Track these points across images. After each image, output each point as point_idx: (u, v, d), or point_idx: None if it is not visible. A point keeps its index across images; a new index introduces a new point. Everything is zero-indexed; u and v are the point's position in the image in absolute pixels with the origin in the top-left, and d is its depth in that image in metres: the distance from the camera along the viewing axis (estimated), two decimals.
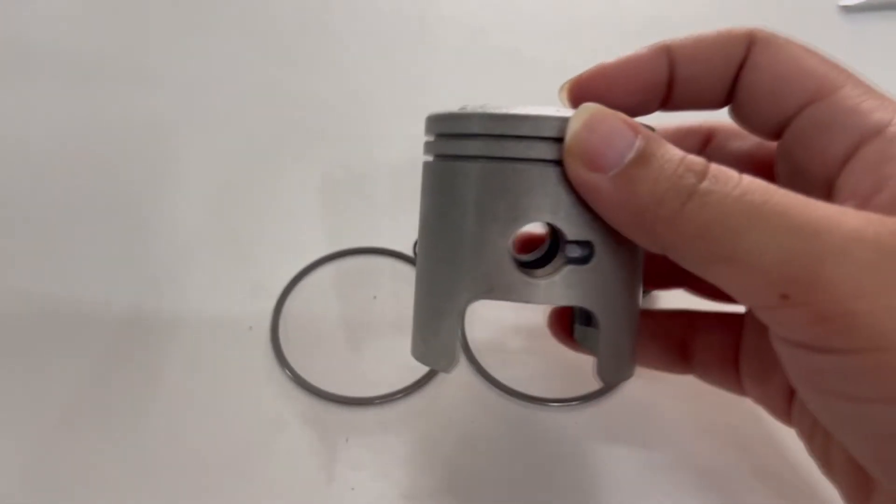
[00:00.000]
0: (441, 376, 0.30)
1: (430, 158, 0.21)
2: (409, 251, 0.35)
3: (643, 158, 0.17)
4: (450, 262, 0.20)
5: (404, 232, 0.35)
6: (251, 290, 0.33)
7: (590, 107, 0.18)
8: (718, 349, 0.24)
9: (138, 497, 0.26)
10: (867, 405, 0.15)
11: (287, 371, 0.30)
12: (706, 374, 0.24)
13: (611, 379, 0.21)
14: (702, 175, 0.16)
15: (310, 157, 0.41)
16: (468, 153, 0.19)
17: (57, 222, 0.37)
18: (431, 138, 0.21)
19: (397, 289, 0.34)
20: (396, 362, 0.30)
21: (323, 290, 0.34)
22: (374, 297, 0.33)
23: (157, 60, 0.47)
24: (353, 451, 0.28)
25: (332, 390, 0.29)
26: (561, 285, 0.19)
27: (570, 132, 0.18)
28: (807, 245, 0.15)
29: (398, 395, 0.29)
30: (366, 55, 0.48)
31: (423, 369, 0.30)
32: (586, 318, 0.24)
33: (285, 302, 0.33)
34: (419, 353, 0.22)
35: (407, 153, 0.40)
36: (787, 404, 0.22)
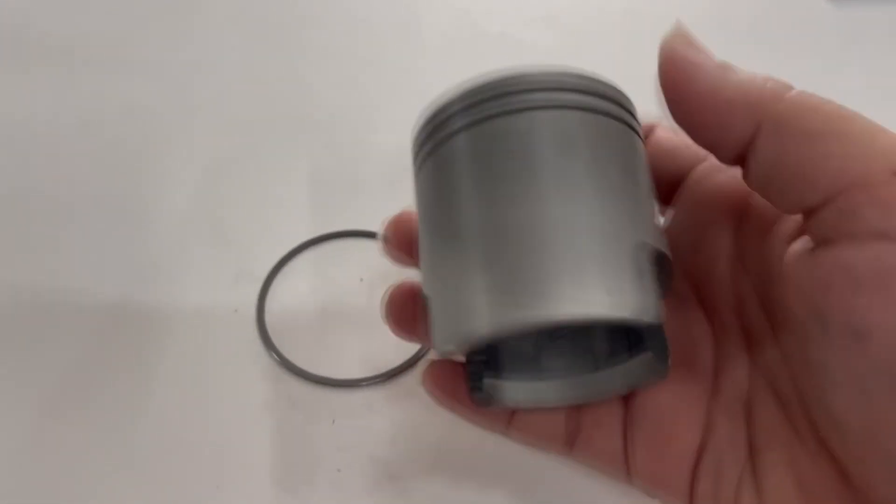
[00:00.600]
0: (426, 360, 0.30)
1: (427, 161, 0.20)
2: None
3: (732, 65, 0.18)
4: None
5: (389, 214, 0.35)
6: (236, 273, 0.33)
7: (682, 27, 0.19)
8: (609, 419, 0.22)
9: (125, 482, 0.26)
10: None
11: (273, 354, 0.30)
12: (588, 448, 0.23)
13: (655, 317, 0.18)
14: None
15: (295, 142, 0.41)
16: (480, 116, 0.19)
17: (42, 210, 0.36)
18: (421, 145, 0.21)
19: (384, 271, 0.34)
20: (383, 344, 0.30)
21: (309, 273, 0.34)
22: (361, 280, 0.33)
23: (141, 47, 0.47)
24: (340, 432, 0.28)
25: (318, 373, 0.29)
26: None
27: (676, 29, 0.19)
28: None
29: (385, 377, 0.29)
30: (351, 40, 0.48)
31: (409, 351, 0.30)
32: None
33: (271, 285, 0.33)
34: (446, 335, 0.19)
35: (392, 137, 0.40)
36: (687, 480, 0.21)
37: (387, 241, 0.24)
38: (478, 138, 0.19)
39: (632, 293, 0.17)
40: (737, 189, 0.21)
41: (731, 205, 0.22)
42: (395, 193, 0.36)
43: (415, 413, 0.28)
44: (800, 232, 0.18)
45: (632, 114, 0.20)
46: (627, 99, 0.20)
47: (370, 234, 0.35)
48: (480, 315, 0.17)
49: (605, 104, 0.19)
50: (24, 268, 0.34)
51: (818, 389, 0.17)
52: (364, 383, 0.29)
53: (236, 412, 0.28)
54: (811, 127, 0.16)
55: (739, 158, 0.18)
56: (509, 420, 0.23)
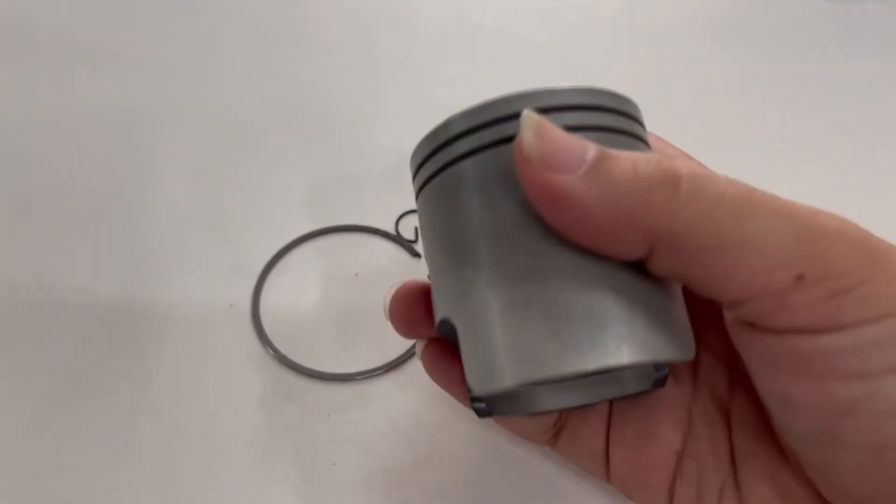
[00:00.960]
0: None
1: (426, 184, 0.20)
2: (390, 228, 0.35)
3: (606, 156, 0.16)
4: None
5: (385, 209, 0.35)
6: (232, 268, 0.33)
7: (532, 116, 0.16)
8: (593, 419, 0.23)
9: (121, 475, 0.26)
10: (878, 380, 0.15)
11: (268, 348, 0.30)
12: (571, 445, 0.23)
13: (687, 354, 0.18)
14: (677, 166, 0.16)
15: (290, 137, 0.41)
16: (471, 148, 0.18)
17: (38, 207, 0.36)
18: (419, 169, 0.20)
19: (378, 266, 0.34)
20: (378, 339, 0.30)
21: (304, 268, 0.34)
22: (356, 275, 0.33)
23: (138, 44, 0.47)
24: (335, 426, 0.28)
25: (313, 367, 0.29)
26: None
27: (524, 141, 0.16)
28: (811, 226, 0.15)
29: (380, 371, 0.29)
30: (346, 34, 0.48)
31: (404, 345, 0.30)
32: None
33: (266, 280, 0.33)
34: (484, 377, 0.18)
35: (388, 132, 0.40)
36: (666, 484, 0.21)
37: (393, 317, 0.22)
38: (484, 169, 0.18)
39: (665, 334, 0.17)
40: None
41: None
42: (391, 188, 0.37)
43: (410, 407, 0.28)
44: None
45: (639, 121, 0.20)
46: (633, 105, 0.19)
47: (365, 229, 0.35)
48: (519, 367, 0.17)
49: (612, 119, 0.18)
50: (21, 264, 0.34)
51: (777, 430, 0.19)
52: (359, 377, 0.29)
53: (231, 406, 0.28)
54: (706, 241, 0.15)
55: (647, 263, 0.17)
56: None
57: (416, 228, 0.35)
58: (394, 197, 0.36)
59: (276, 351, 0.30)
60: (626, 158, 0.16)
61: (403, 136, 0.40)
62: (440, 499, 0.26)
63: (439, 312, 0.20)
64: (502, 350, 0.17)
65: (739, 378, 0.21)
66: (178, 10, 0.49)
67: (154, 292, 0.32)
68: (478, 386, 0.18)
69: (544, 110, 0.17)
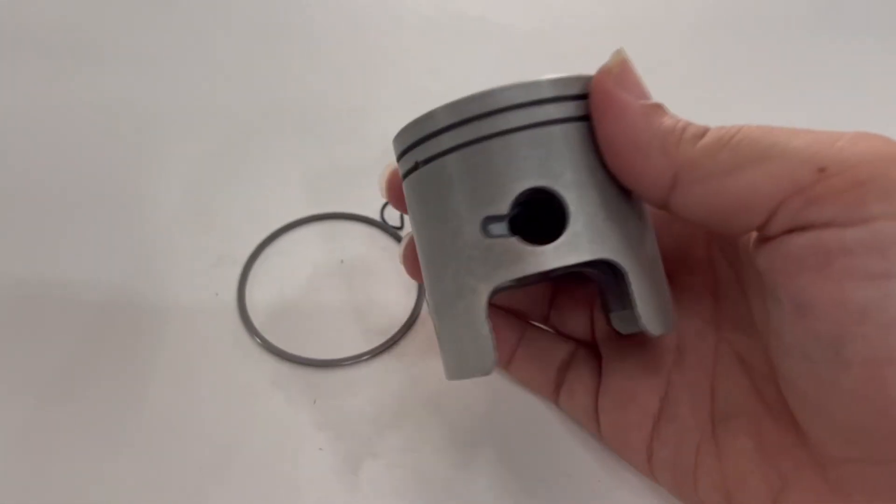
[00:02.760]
0: (406, 339, 0.30)
1: (409, 175, 0.21)
2: (375, 215, 0.35)
3: (661, 106, 0.19)
4: (452, 257, 0.20)
5: (370, 197, 0.35)
6: (217, 257, 0.33)
7: (622, 53, 0.19)
8: (587, 379, 0.25)
9: (112, 466, 0.27)
10: (893, 281, 0.15)
11: (254, 336, 0.30)
12: (569, 401, 0.25)
13: (663, 327, 0.20)
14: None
15: (275, 127, 0.40)
16: (444, 148, 0.19)
17: (32, 203, 0.36)
18: (403, 155, 0.21)
19: (364, 253, 0.34)
20: (364, 325, 0.31)
21: (289, 256, 0.34)
22: (341, 262, 0.33)
23: (129, 40, 0.46)
24: (321, 412, 0.28)
25: (299, 353, 0.30)
26: (583, 240, 0.19)
27: (613, 59, 0.19)
28: (827, 134, 0.16)
29: (365, 357, 0.30)
30: (331, 24, 0.48)
31: (390, 331, 0.30)
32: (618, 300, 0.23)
33: (251, 268, 0.33)
34: (456, 368, 0.21)
35: (374, 121, 0.40)
36: (645, 444, 0.23)
37: (390, 193, 0.24)
38: (468, 163, 0.19)
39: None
40: None
41: None
42: (376, 176, 0.37)
43: (395, 392, 0.29)
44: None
45: (586, 96, 0.20)
46: (577, 84, 0.20)
47: (350, 217, 0.35)
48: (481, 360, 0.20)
49: (549, 109, 0.19)
50: (10, 259, 0.33)
51: (777, 357, 0.19)
52: (345, 363, 0.29)
53: (218, 394, 0.29)
54: (728, 163, 0.17)
55: (663, 205, 0.19)
56: (508, 361, 0.26)
57: (401, 216, 0.35)
58: (377, 184, 0.36)
59: (261, 338, 0.30)
60: (674, 116, 0.18)
61: (388, 125, 0.40)
62: (427, 483, 0.26)
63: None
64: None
65: (726, 346, 0.22)
66: (168, 7, 0.49)
67: (141, 282, 0.32)
68: (456, 375, 0.21)
69: (524, 105, 0.18)
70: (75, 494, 0.26)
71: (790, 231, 0.17)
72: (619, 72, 0.18)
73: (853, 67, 0.45)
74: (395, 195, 0.23)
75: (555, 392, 0.26)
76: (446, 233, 0.20)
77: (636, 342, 0.24)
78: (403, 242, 0.24)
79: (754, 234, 0.19)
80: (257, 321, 0.31)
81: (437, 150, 0.19)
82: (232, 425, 0.28)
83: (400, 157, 0.21)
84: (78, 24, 0.47)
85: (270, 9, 0.49)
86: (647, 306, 0.20)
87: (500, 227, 0.19)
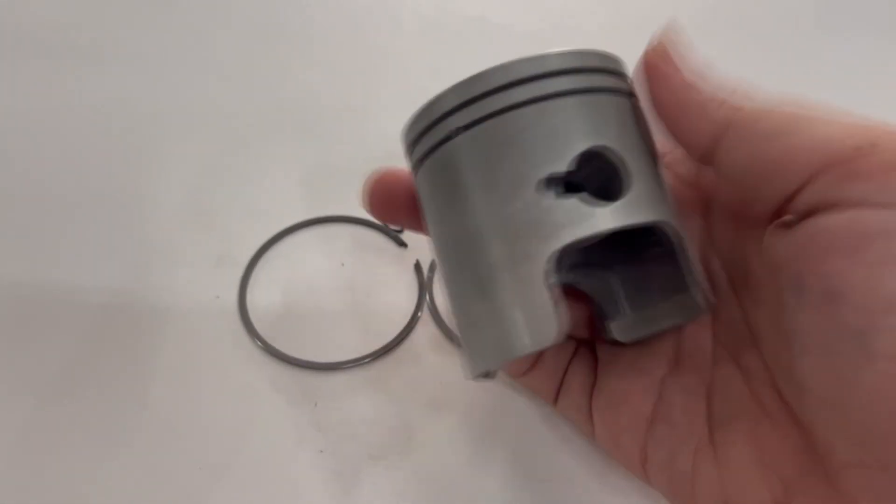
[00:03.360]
0: (407, 342, 0.30)
1: (436, 150, 0.20)
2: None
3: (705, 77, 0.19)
4: (501, 226, 0.18)
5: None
6: (218, 259, 0.33)
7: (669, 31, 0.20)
8: (583, 377, 0.24)
9: (112, 467, 0.27)
10: None
11: (255, 339, 0.30)
12: (566, 399, 0.25)
13: (711, 302, 0.20)
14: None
15: (276, 129, 0.40)
16: (496, 108, 0.19)
17: (33, 204, 0.36)
18: (415, 144, 0.21)
19: (365, 256, 0.34)
20: (364, 328, 0.31)
21: (290, 259, 0.34)
22: (342, 265, 0.33)
23: (129, 41, 0.46)
24: (322, 414, 0.28)
25: (300, 356, 0.30)
26: (643, 202, 0.18)
27: (658, 38, 0.20)
28: (865, 121, 0.16)
29: (366, 360, 0.30)
30: (330, 25, 0.48)
31: (390, 334, 0.30)
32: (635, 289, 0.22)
33: (253, 271, 0.33)
34: (502, 348, 0.19)
35: (374, 122, 0.40)
36: (639, 447, 0.22)
37: (372, 207, 0.24)
38: (522, 123, 0.19)
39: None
40: (702, 180, 0.23)
41: (698, 194, 0.23)
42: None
43: (396, 394, 0.29)
44: (776, 215, 0.19)
45: (623, 75, 0.21)
46: (619, 62, 0.21)
47: (352, 220, 0.35)
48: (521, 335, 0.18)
49: (601, 79, 0.19)
50: (16, 261, 0.33)
51: (787, 357, 0.18)
52: (346, 366, 0.29)
53: (219, 397, 0.29)
54: (773, 127, 0.17)
55: (707, 158, 0.19)
56: (527, 370, 0.26)
57: None
58: None
59: (262, 341, 0.30)
60: (718, 85, 0.19)
61: (389, 126, 0.40)
62: (427, 485, 0.26)
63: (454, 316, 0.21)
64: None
65: (724, 351, 0.22)
66: (168, 8, 0.49)
67: (141, 284, 0.32)
68: (491, 361, 0.20)
69: (532, 78, 0.18)
70: (75, 495, 0.26)
71: (820, 210, 0.16)
72: (675, 34, 0.20)
73: (855, 67, 0.45)
74: (381, 202, 0.23)
75: (556, 393, 0.25)
76: (493, 201, 0.18)
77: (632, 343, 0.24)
78: (368, 182, 0.24)
79: (774, 226, 0.19)
80: (258, 324, 0.31)
81: (485, 111, 0.19)
82: (232, 428, 0.28)
83: (426, 130, 0.20)
84: (77, 24, 0.47)
85: (271, 10, 0.49)
86: (698, 278, 0.20)
87: (559, 188, 0.18)
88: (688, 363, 0.22)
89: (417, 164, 0.21)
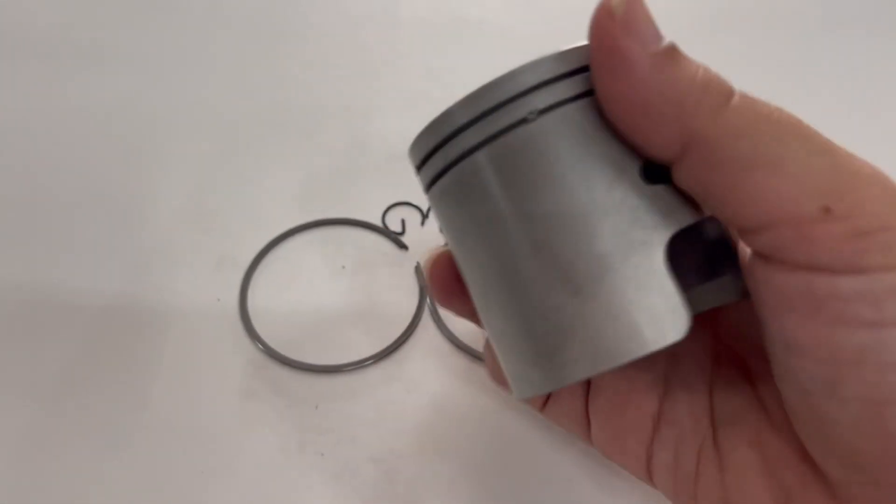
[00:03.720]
0: (408, 344, 0.30)
1: (479, 151, 0.18)
2: (377, 221, 0.35)
3: (677, 50, 0.16)
4: (605, 216, 0.16)
5: (372, 202, 0.36)
6: (219, 262, 0.33)
7: None
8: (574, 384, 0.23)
9: (113, 469, 0.27)
10: (888, 330, 0.15)
11: (256, 342, 0.30)
12: (555, 406, 0.24)
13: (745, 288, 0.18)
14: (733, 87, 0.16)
15: (276, 131, 0.41)
16: (576, 93, 0.17)
17: (35, 207, 0.36)
18: (425, 162, 0.19)
19: (366, 258, 0.34)
20: (365, 330, 0.31)
21: (291, 261, 0.34)
22: (343, 267, 0.33)
23: (128, 43, 0.46)
24: (323, 417, 0.28)
25: (301, 359, 0.30)
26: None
27: (613, 3, 0.16)
28: (846, 165, 0.15)
29: (367, 363, 0.30)
30: (330, 28, 0.48)
31: (391, 337, 0.30)
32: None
33: (253, 273, 0.33)
34: (608, 352, 0.17)
35: (374, 125, 0.40)
36: (644, 448, 0.21)
37: (433, 287, 0.22)
38: (500, 161, 0.17)
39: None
40: None
41: None
42: (378, 181, 0.37)
43: (397, 397, 0.29)
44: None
45: None
46: None
47: (352, 222, 0.35)
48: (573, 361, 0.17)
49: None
50: (17, 264, 0.33)
51: (776, 380, 0.18)
52: (346, 369, 0.29)
53: (220, 399, 0.29)
54: (741, 154, 0.15)
55: (665, 167, 0.17)
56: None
57: (402, 221, 0.35)
58: (381, 189, 0.36)
59: (263, 344, 0.30)
60: (693, 61, 0.16)
61: (389, 129, 0.40)
62: (428, 488, 0.26)
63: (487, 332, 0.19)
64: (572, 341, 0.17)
65: (723, 349, 0.22)
66: (167, 9, 0.49)
67: (142, 287, 0.32)
68: (533, 388, 0.18)
69: (547, 82, 0.17)
70: (76, 496, 0.26)
71: (773, 260, 0.16)
72: (624, 11, 0.16)
73: (858, 66, 0.45)
74: (442, 282, 0.21)
75: (543, 402, 0.24)
76: (594, 188, 0.17)
77: None
78: (428, 260, 0.22)
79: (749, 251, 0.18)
80: (259, 326, 0.31)
81: (565, 96, 0.17)
82: (233, 430, 0.28)
83: (480, 118, 0.18)
84: (76, 26, 0.47)
85: (271, 12, 0.49)
86: (736, 262, 0.19)
87: (652, 174, 0.17)
88: (688, 361, 0.22)
89: (459, 160, 0.18)
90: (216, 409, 0.28)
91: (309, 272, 0.33)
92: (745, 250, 0.18)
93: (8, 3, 0.48)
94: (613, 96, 0.16)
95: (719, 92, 0.16)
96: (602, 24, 0.16)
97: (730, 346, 0.22)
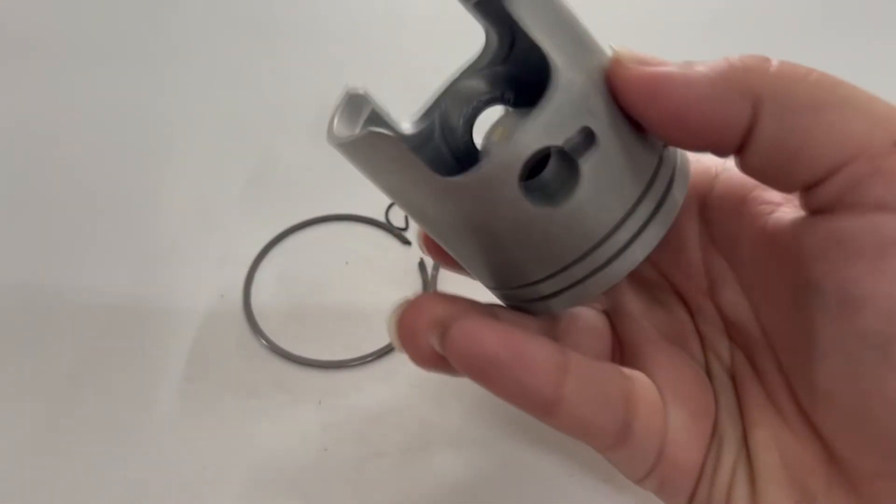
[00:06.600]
0: None
1: None
2: (380, 217, 0.35)
3: (691, 62, 0.16)
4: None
5: (375, 198, 0.35)
6: (222, 259, 0.33)
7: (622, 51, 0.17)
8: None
9: (116, 464, 0.27)
10: None
11: (260, 337, 0.30)
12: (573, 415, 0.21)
13: None
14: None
15: (280, 127, 0.41)
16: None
17: (37, 207, 0.36)
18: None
19: (369, 254, 0.34)
20: (368, 326, 0.31)
21: (294, 257, 0.34)
22: (346, 263, 0.33)
23: (135, 41, 0.47)
24: (327, 412, 0.28)
25: (304, 354, 0.30)
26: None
27: (617, 48, 0.17)
28: None
29: (370, 358, 0.30)
30: (334, 24, 0.48)
31: None
32: None
33: (257, 269, 0.33)
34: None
35: None
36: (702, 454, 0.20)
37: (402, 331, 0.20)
38: None
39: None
40: (695, 174, 0.21)
41: (691, 191, 0.21)
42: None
43: (400, 392, 0.29)
44: (783, 204, 0.18)
45: None
46: None
47: (355, 218, 0.35)
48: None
49: None
50: (23, 264, 0.34)
51: (804, 362, 0.17)
52: (350, 364, 0.29)
53: (224, 395, 0.29)
54: (810, 99, 0.15)
55: (740, 148, 0.17)
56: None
57: (405, 216, 0.35)
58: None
59: (267, 340, 0.30)
60: (709, 62, 0.16)
61: None
62: (431, 483, 0.26)
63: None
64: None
65: (738, 355, 0.21)
66: (173, 9, 0.49)
67: (147, 284, 0.32)
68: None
69: None
70: (82, 493, 0.26)
71: (842, 206, 0.15)
72: (631, 55, 0.17)
73: (858, 66, 0.44)
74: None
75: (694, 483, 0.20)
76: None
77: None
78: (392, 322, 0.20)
79: (784, 217, 0.17)
80: (263, 322, 0.31)
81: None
82: (237, 426, 0.28)
83: None
84: (80, 26, 0.47)
85: (276, 10, 0.49)
86: None
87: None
88: (714, 363, 0.21)
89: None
90: (221, 404, 0.28)
91: (312, 267, 0.33)
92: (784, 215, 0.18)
93: (15, 3, 0.49)
94: (669, 115, 0.16)
95: (757, 57, 0.16)
96: (619, 72, 0.17)
97: (742, 346, 0.21)
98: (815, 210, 0.16)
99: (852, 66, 0.44)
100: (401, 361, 0.30)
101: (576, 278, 0.18)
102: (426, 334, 0.18)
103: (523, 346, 0.17)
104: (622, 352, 0.22)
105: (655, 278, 0.23)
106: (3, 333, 0.31)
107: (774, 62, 0.16)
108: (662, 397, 0.19)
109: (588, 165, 0.16)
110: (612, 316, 0.23)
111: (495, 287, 0.20)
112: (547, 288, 0.18)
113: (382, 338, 0.30)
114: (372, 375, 0.29)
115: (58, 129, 0.40)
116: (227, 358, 0.30)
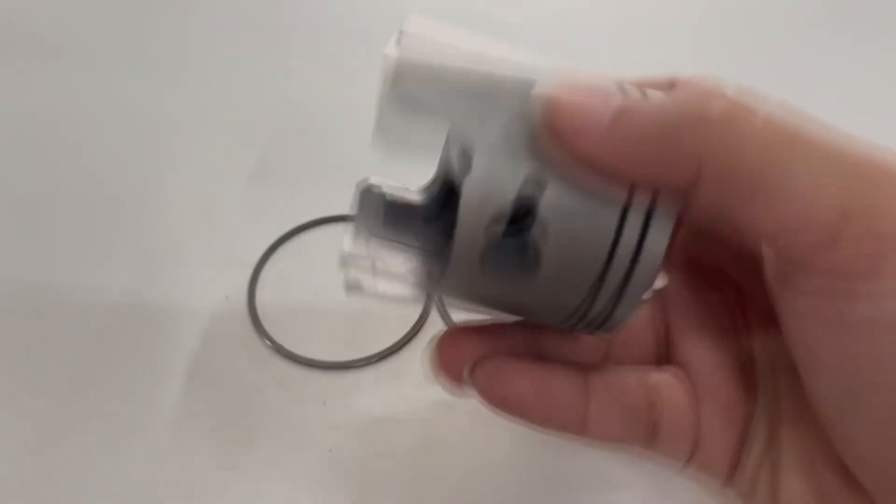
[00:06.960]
0: (416, 340, 0.30)
1: None
2: None
3: (625, 110, 0.15)
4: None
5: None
6: (227, 260, 0.33)
7: (543, 94, 0.16)
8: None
9: (120, 464, 0.27)
10: None
11: (264, 338, 0.30)
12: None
13: None
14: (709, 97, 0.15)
15: (283, 128, 0.41)
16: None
17: (40, 208, 0.36)
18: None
19: None
20: (373, 327, 0.31)
21: (299, 258, 0.34)
22: None
23: (138, 41, 0.47)
24: (331, 413, 0.28)
25: (309, 356, 0.30)
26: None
27: (543, 101, 0.15)
28: (863, 165, 0.14)
29: (375, 359, 0.30)
30: (335, 24, 0.48)
31: (399, 333, 0.30)
32: None
33: (261, 271, 0.33)
34: None
35: None
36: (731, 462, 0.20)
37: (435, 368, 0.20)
38: None
39: None
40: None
41: None
42: (385, 178, 0.37)
43: (404, 393, 0.29)
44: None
45: None
46: None
47: None
48: None
49: None
50: (26, 264, 0.34)
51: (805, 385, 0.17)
52: (355, 365, 0.29)
53: (228, 396, 0.29)
54: (755, 160, 0.14)
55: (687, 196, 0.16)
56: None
57: None
58: None
59: (271, 341, 0.30)
60: (648, 106, 0.15)
61: None
62: (435, 485, 0.26)
63: None
64: None
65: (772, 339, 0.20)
66: (177, 9, 0.49)
67: (151, 285, 0.33)
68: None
69: None
70: (85, 492, 0.26)
71: (801, 271, 0.15)
72: (553, 119, 0.15)
73: (861, 65, 0.44)
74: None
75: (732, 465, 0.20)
76: None
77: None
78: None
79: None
80: (267, 323, 0.31)
81: None
82: (241, 427, 0.28)
83: None
84: (84, 25, 0.47)
85: (278, 11, 0.49)
86: None
87: None
88: (757, 351, 0.21)
89: None
90: (224, 405, 0.28)
91: (317, 268, 0.33)
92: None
93: (18, 4, 0.49)
94: (596, 152, 0.15)
95: (706, 94, 0.15)
96: (547, 139, 0.15)
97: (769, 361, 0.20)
98: (778, 261, 0.16)
99: (842, 64, 0.44)
100: (406, 362, 0.30)
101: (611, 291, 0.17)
102: (456, 369, 0.20)
103: (547, 382, 0.19)
104: (667, 336, 0.22)
105: (707, 262, 0.22)
106: (8, 333, 0.31)
107: (720, 106, 0.14)
108: (696, 391, 0.20)
109: (539, 229, 0.16)
110: (662, 297, 0.22)
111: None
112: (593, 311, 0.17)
113: (387, 339, 0.30)
114: (377, 376, 0.29)
115: (62, 129, 0.40)
116: (231, 359, 0.30)
